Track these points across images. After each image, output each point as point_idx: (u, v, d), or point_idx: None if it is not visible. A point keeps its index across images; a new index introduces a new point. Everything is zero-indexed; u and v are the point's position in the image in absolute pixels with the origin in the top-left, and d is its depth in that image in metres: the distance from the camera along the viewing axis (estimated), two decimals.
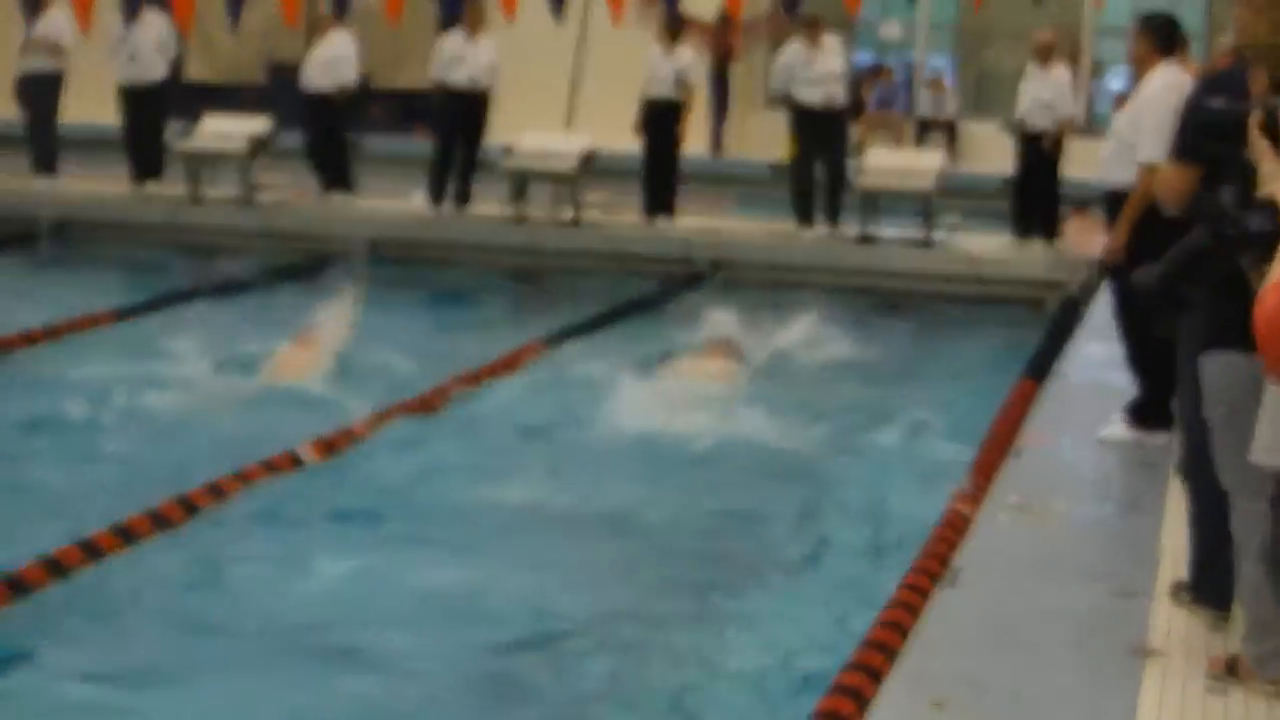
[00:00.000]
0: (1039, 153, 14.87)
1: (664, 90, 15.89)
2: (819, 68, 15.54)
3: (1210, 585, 5.84)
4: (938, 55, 25.36)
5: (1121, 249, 8.04)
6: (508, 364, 11.39)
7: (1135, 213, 7.94)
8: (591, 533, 8.07)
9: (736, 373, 11.61)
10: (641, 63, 16.11)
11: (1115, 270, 8.29)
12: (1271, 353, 3.05)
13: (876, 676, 5.79)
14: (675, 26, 16.17)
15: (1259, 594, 5.18)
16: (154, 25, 16.90)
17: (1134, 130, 8.17)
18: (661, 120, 15.91)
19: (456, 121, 16.25)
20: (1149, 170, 7.78)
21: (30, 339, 11.60)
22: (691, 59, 16.27)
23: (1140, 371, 8.46)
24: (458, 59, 16.19)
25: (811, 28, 15.66)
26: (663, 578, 7.48)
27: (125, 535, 7.30)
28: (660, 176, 16.06)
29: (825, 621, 6.89)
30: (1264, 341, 3.13)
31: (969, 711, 5.23)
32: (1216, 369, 5.35)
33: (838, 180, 15.59)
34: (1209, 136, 5.69)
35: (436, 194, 16.34)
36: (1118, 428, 8.46)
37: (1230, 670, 5.45)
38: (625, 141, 16.18)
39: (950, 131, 23.24)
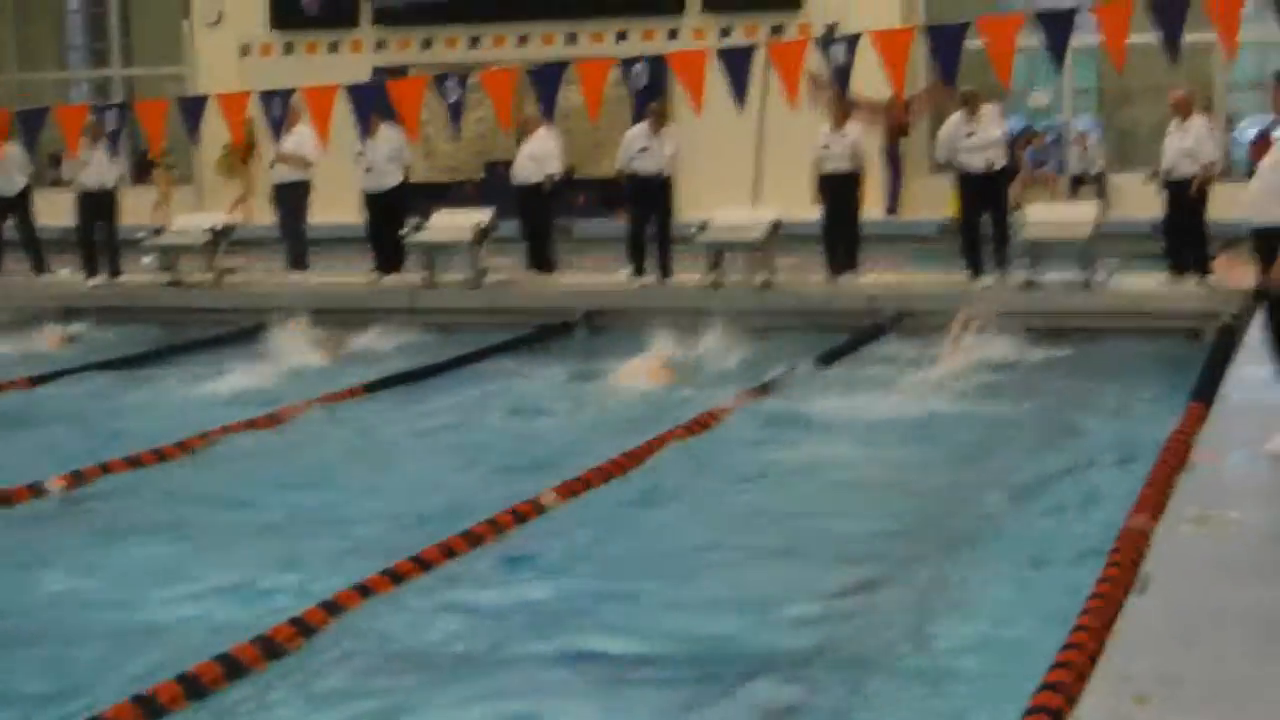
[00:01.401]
0: (1186, 198, 14.66)
1: (838, 164, 16.00)
2: (979, 136, 15.51)
3: None
4: (1083, 116, 25.10)
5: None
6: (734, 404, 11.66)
7: None
8: (790, 554, 8.10)
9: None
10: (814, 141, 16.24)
11: (1272, 297, 8.16)
12: None
13: (1080, 675, 5.76)
14: (844, 108, 16.28)
15: None
16: (388, 139, 17.30)
17: None
18: (839, 190, 16.00)
19: (646, 204, 16.51)
20: None
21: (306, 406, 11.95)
22: (860, 134, 16.35)
23: None
24: (644, 151, 16.44)
25: (970, 101, 15.62)
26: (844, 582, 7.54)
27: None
28: (843, 240, 16.12)
29: (1018, 626, 6.83)
30: None
31: (1170, 704, 5.16)
32: None
33: (1003, 234, 15.54)
34: None
35: (637, 268, 16.56)
36: None
37: None
38: (805, 211, 16.26)
39: (1100, 184, 22.97)
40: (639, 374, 12.96)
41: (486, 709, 6.15)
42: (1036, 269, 15.31)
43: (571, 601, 7.37)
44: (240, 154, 24.26)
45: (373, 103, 16.95)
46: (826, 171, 16.13)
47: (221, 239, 17.98)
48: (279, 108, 17.00)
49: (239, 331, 15.87)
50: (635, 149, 16.55)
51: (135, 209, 20.48)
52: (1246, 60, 22.54)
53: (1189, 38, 13.93)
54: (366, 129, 17.01)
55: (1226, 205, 15.01)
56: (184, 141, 19.29)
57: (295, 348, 14.43)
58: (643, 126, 16.73)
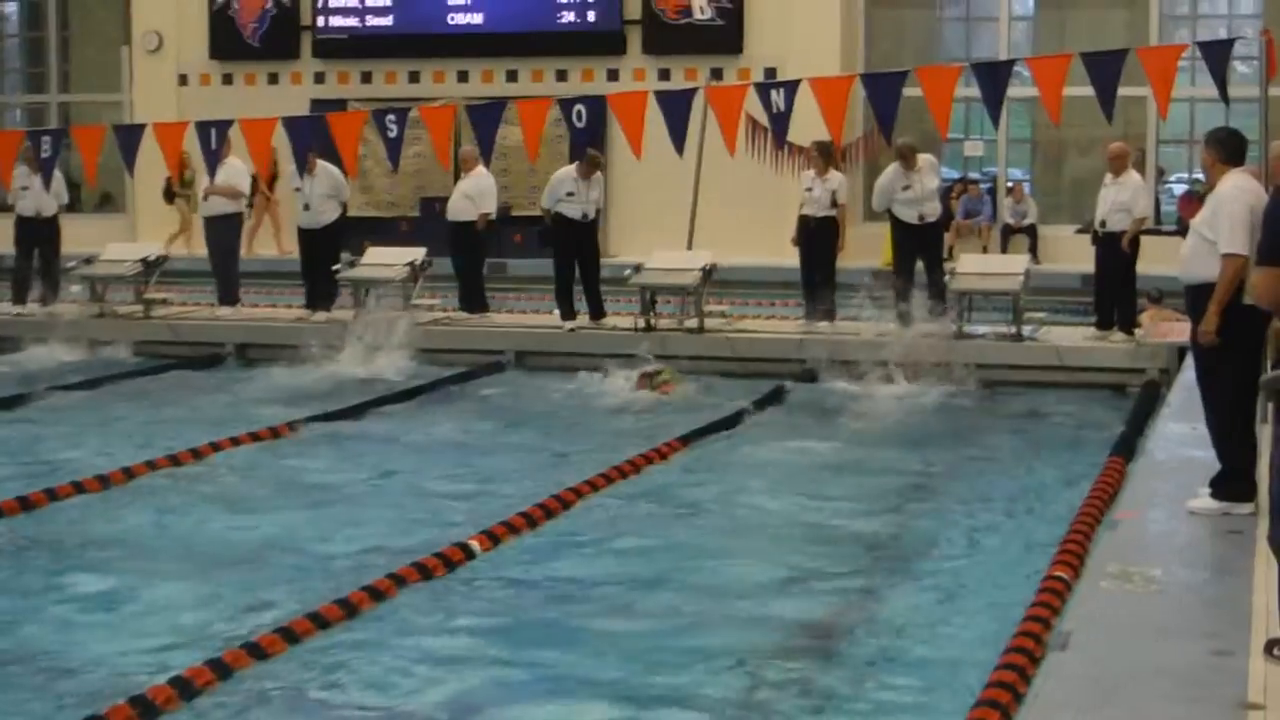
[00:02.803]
0: (1117, 251, 14.75)
1: (820, 209, 16.04)
2: (915, 189, 15.60)
3: None
4: (1017, 167, 25.31)
5: (1214, 333, 8.04)
6: (664, 452, 11.61)
7: (1222, 300, 7.97)
8: (705, 594, 8.11)
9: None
10: (747, 184, 16.27)
11: (1203, 351, 8.23)
12: None
13: None
14: (828, 156, 16.28)
15: None
16: (326, 176, 17.17)
17: (1212, 229, 8.15)
18: (820, 235, 16.04)
19: (571, 248, 16.44)
20: (1230, 261, 7.92)
21: (222, 445, 11.81)
22: (842, 181, 16.38)
23: (1223, 446, 8.36)
24: (570, 196, 16.37)
25: (907, 155, 15.70)
26: (767, 644, 7.45)
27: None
28: (821, 283, 16.18)
29: (937, 683, 6.82)
30: None
31: None
32: None
33: (938, 283, 15.58)
34: None
35: (567, 311, 16.48)
36: (1204, 500, 8.37)
37: None
38: (738, 255, 16.28)
39: (1032, 235, 23.14)
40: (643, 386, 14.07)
41: None
42: (966, 319, 15.39)
43: (483, 643, 7.37)
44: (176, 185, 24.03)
45: (310, 136, 16.89)
46: (805, 214, 16.20)
47: (153, 270, 17.82)
48: (216, 138, 16.88)
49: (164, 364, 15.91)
50: (562, 192, 16.44)
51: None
52: (1175, 114, 22.75)
53: (1123, 91, 14.10)
54: (304, 164, 16.91)
55: (1154, 259, 15.22)
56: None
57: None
58: (570, 170, 16.63)
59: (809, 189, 16.24)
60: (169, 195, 24.64)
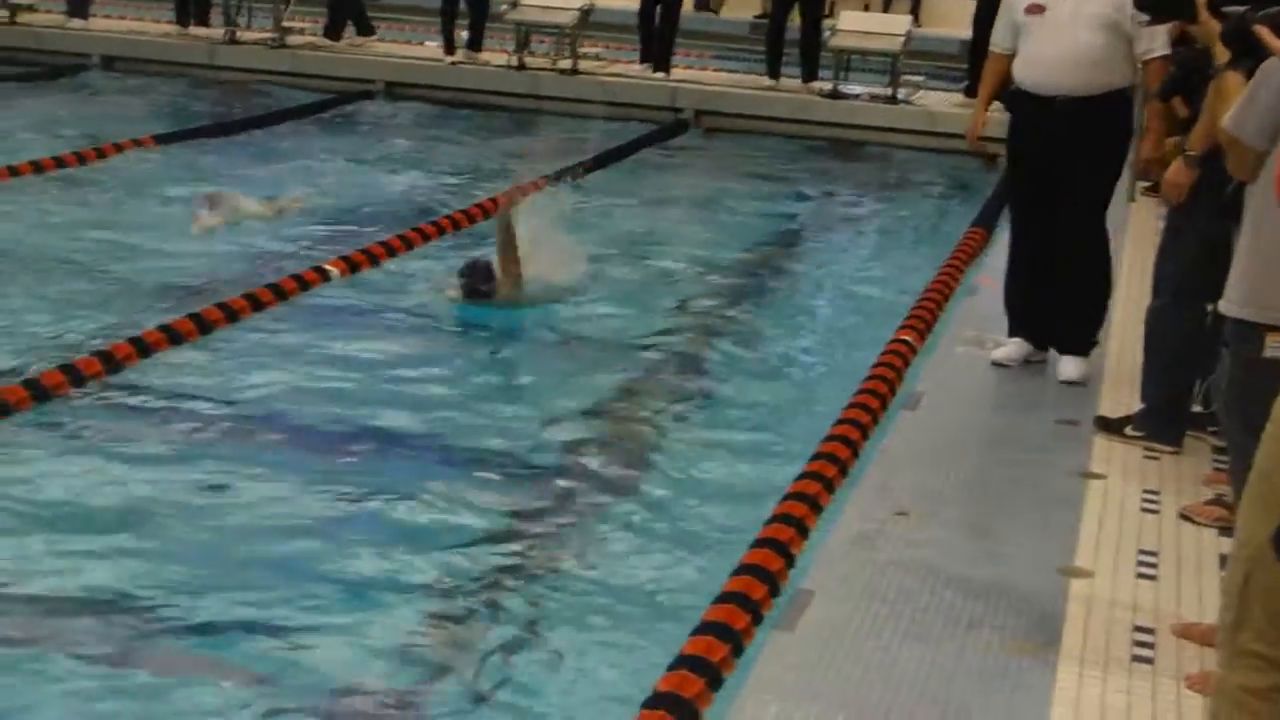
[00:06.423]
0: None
1: None
2: None
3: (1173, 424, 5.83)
4: None
5: (1157, 159, 6.56)
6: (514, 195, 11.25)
7: (1159, 113, 6.63)
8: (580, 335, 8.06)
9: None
10: None
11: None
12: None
13: (830, 487, 5.77)
14: None
15: None
16: None
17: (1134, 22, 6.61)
18: None
19: None
20: (1163, 65, 6.63)
21: (83, 158, 11.52)
22: None
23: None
24: None
25: None
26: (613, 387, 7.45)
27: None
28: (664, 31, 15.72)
29: (778, 434, 6.80)
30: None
31: (928, 520, 5.24)
32: None
33: (812, 38, 15.26)
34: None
35: (449, 43, 16.03)
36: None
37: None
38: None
39: None
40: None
41: None
42: (843, 78, 15.21)
43: (328, 364, 7.35)
44: None
45: None
46: None
47: None
48: None
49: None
50: None
51: None
52: None
53: None
54: None
55: None
56: None
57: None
58: None
59: None
60: None
